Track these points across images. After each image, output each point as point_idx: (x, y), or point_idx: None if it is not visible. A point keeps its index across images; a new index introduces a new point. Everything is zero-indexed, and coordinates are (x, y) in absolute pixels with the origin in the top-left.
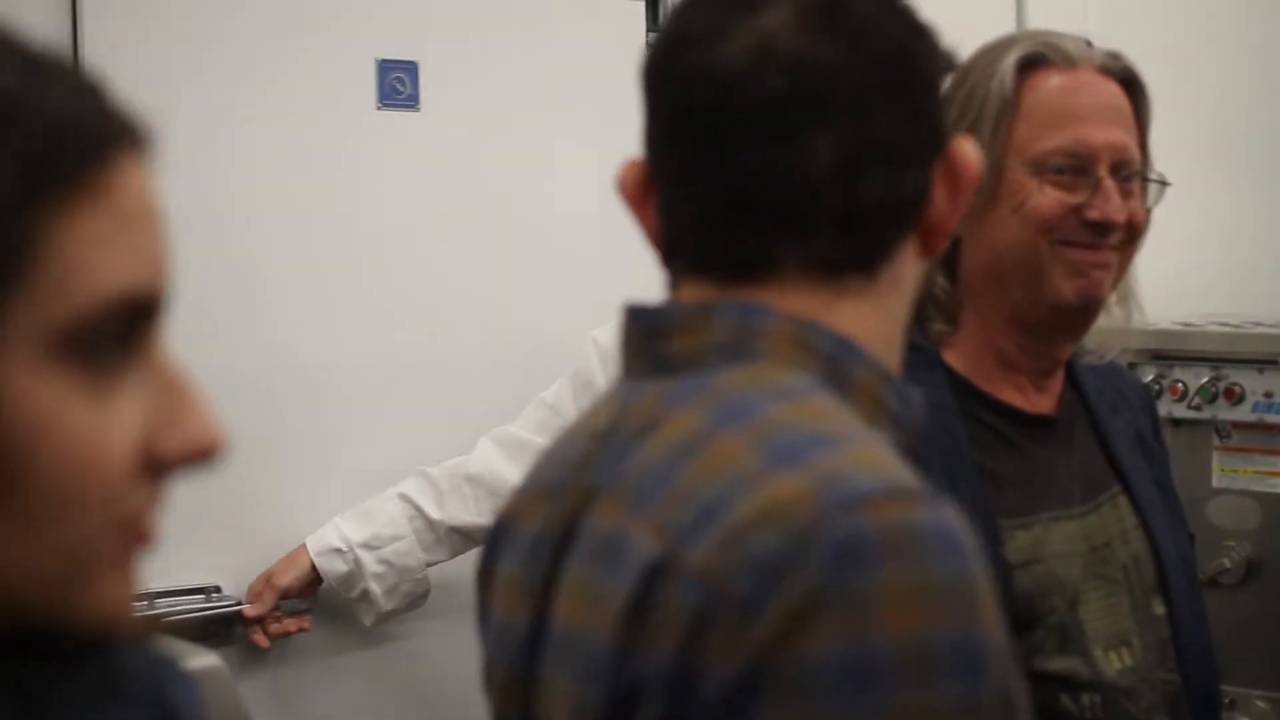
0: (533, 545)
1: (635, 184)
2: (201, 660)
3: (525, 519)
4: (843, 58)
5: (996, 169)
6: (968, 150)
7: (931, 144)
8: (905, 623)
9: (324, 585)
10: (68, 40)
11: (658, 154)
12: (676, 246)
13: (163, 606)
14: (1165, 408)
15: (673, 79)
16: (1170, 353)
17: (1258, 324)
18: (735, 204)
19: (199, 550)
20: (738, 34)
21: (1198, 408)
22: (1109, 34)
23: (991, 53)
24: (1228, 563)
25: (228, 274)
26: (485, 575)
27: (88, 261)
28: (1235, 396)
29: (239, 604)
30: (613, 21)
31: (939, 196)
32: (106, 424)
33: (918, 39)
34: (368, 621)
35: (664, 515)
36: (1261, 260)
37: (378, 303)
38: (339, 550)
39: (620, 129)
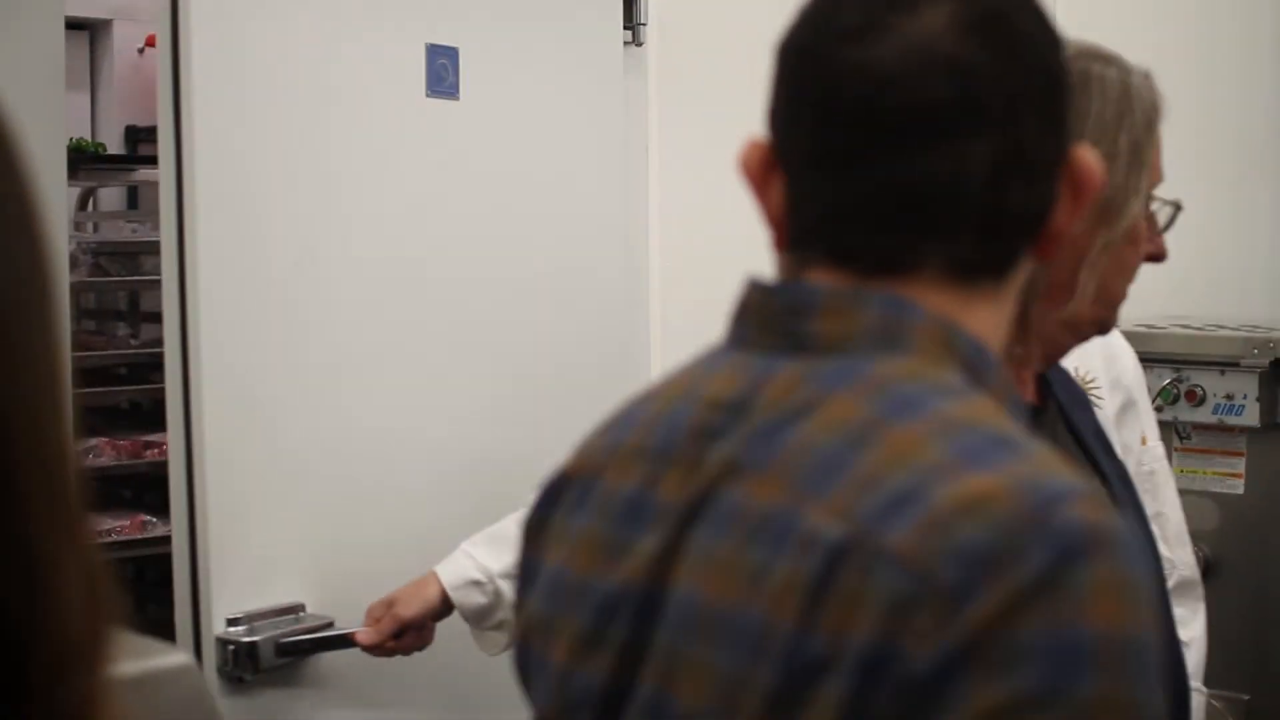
0: (629, 506)
1: (759, 165)
2: (171, 658)
3: (611, 475)
4: (1002, 66)
5: None
6: (1089, 159)
7: (1063, 153)
8: (1108, 616)
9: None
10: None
11: (792, 139)
12: (810, 233)
13: (266, 628)
14: None
15: (820, 69)
16: None
17: (1219, 327)
18: (885, 201)
19: (280, 569)
20: (896, 32)
21: (1159, 409)
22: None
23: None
24: None
25: (299, 270)
26: (538, 527)
27: None
28: (1196, 398)
29: (329, 623)
30: (591, 14)
31: (1061, 204)
32: None
33: (1059, 51)
34: (493, 652)
35: (846, 499)
36: (1224, 263)
37: (437, 303)
38: (478, 582)
39: (596, 128)
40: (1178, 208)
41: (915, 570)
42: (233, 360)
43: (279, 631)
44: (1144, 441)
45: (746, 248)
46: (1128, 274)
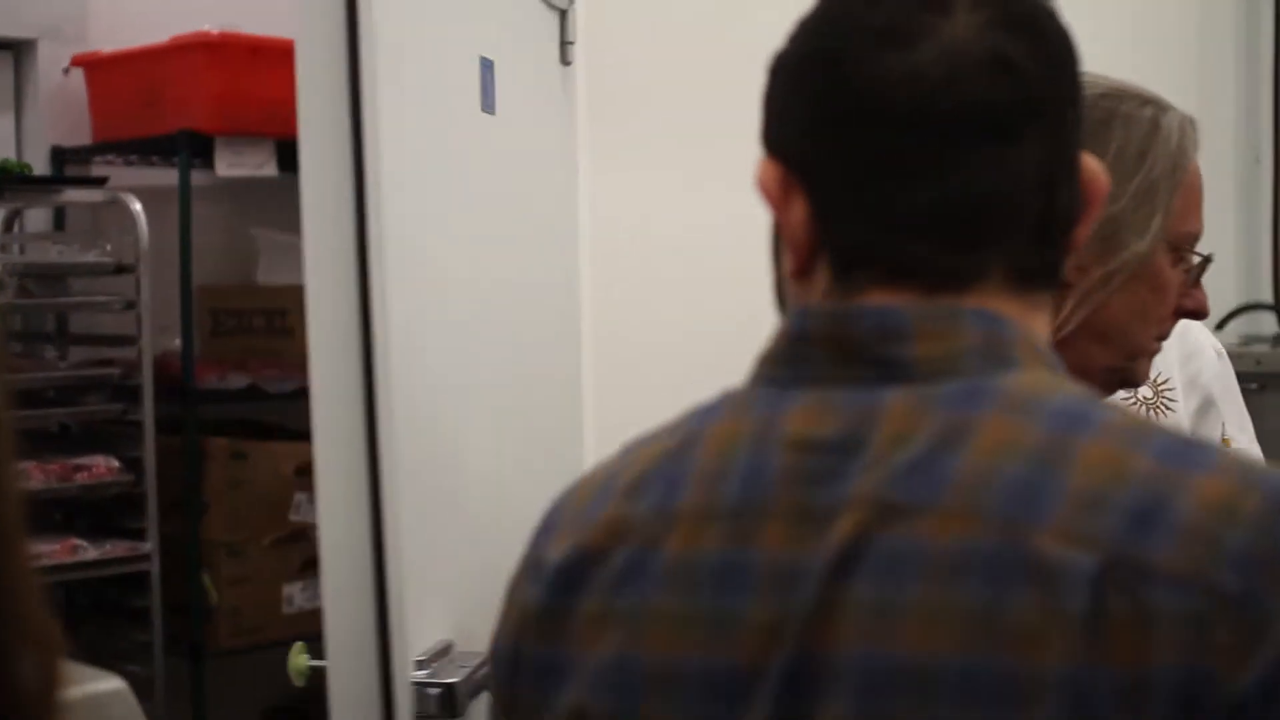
0: (720, 572)
1: (777, 185)
2: (107, 684)
3: (674, 543)
4: (1042, 66)
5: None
6: (1094, 165)
7: (1080, 159)
8: None
9: None
10: None
11: (821, 153)
12: (859, 251)
13: (448, 670)
14: None
15: (856, 76)
16: None
17: None
18: (945, 211)
19: (434, 605)
20: (936, 34)
21: None
22: None
23: (1163, 111)
24: None
25: (465, 296)
26: (554, 615)
27: None
28: None
29: (485, 659)
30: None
31: None
32: None
33: (1077, 52)
34: None
35: (1074, 523)
36: None
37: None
38: None
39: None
40: (1207, 260)
41: (1194, 585)
42: (417, 388)
43: (465, 672)
44: (1226, 443)
45: (675, 263)
46: (1149, 323)
